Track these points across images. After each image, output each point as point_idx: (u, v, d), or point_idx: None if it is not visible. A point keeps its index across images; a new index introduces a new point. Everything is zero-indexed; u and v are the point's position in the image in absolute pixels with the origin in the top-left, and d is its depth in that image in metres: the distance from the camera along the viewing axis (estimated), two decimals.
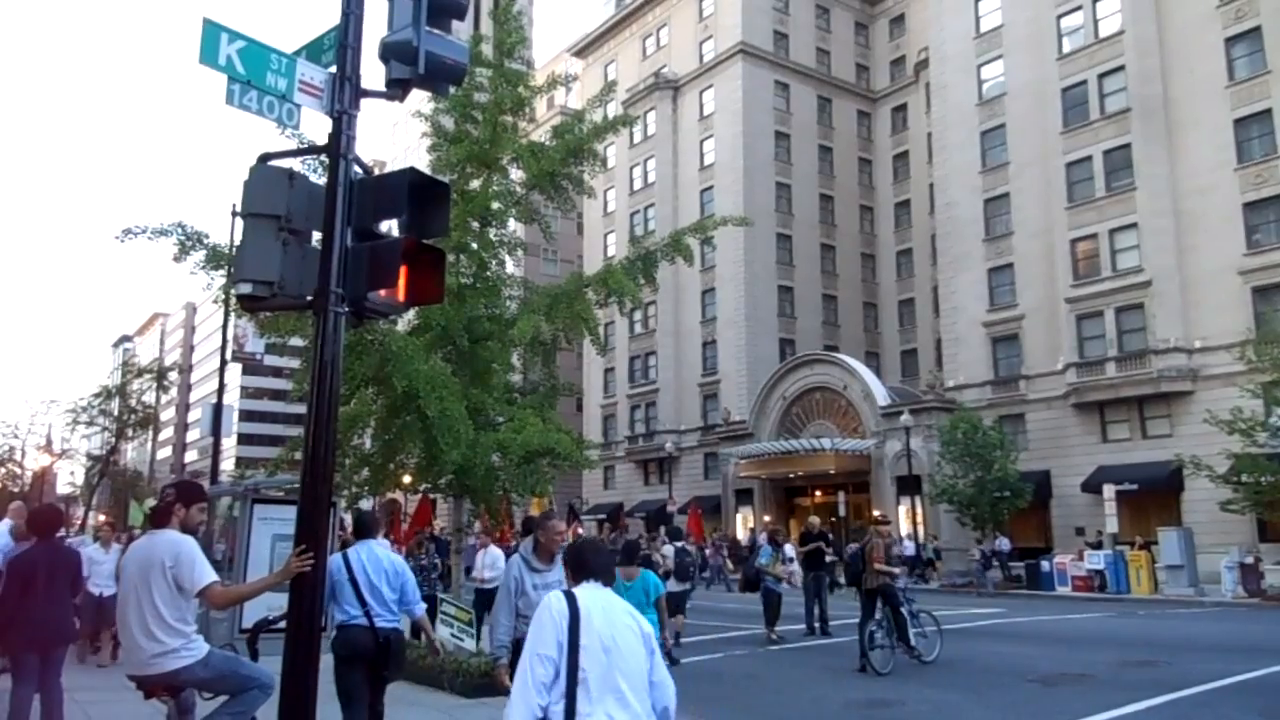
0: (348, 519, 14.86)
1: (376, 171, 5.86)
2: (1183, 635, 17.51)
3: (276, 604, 6.13)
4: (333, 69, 5.61)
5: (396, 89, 5.67)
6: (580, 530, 32.42)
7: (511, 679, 5.25)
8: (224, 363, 25.57)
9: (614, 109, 27.63)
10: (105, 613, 11.70)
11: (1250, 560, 26.68)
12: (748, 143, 54.30)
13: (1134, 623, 20.58)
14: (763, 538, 19.71)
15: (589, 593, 3.77)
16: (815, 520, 19.70)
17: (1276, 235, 33.17)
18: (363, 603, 6.35)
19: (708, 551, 37.03)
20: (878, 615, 13.13)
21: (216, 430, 24.61)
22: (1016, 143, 41.14)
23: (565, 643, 3.54)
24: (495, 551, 15.56)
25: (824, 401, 45.34)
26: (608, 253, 56.14)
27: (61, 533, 9.84)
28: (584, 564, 3.93)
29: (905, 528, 37.26)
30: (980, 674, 12.63)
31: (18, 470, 55.89)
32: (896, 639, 12.99)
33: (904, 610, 13.31)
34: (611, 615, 3.71)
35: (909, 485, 38.16)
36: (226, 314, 23.96)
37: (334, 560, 6.45)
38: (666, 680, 3.77)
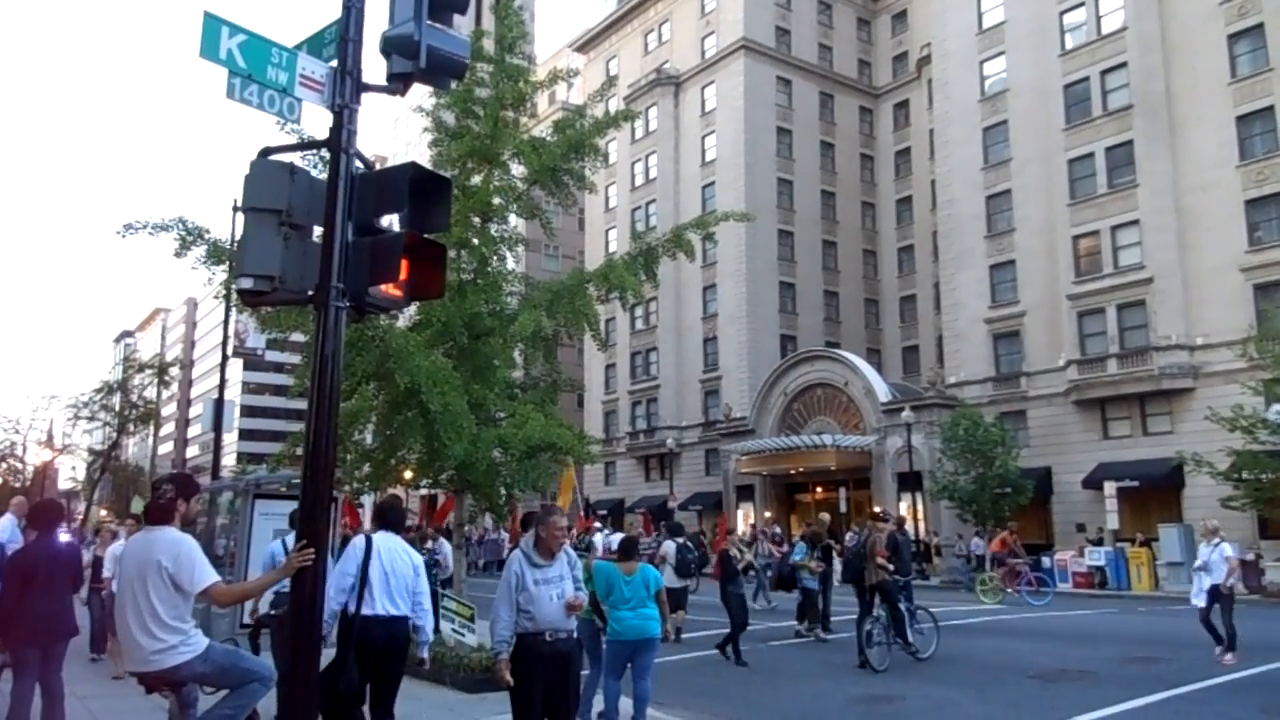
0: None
1: (377, 166, 5.85)
2: (1183, 632, 17.48)
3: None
4: (334, 63, 5.60)
5: (398, 83, 5.65)
6: (595, 524, 32.20)
7: (512, 675, 5.59)
8: (225, 358, 25.55)
9: (616, 104, 27.64)
10: None
11: (1251, 557, 26.65)
12: (749, 138, 54.26)
13: (1134, 619, 20.59)
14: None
15: (382, 536, 6.76)
16: (825, 517, 19.64)
17: (1278, 232, 33.13)
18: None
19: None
20: (875, 612, 13.14)
21: (218, 426, 24.59)
22: (1018, 139, 41.09)
23: (360, 565, 6.51)
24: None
25: (825, 398, 45.34)
26: (609, 248, 56.16)
27: (63, 529, 9.84)
28: (385, 518, 7.10)
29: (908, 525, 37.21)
30: (981, 670, 12.64)
31: (19, 465, 56.01)
32: (894, 636, 12.99)
33: (901, 607, 13.33)
34: (393, 551, 6.70)
35: (910, 482, 38.17)
36: (228, 309, 23.96)
37: (275, 545, 9.27)
38: (425, 591, 6.81)
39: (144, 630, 5.10)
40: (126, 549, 5.61)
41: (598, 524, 33.15)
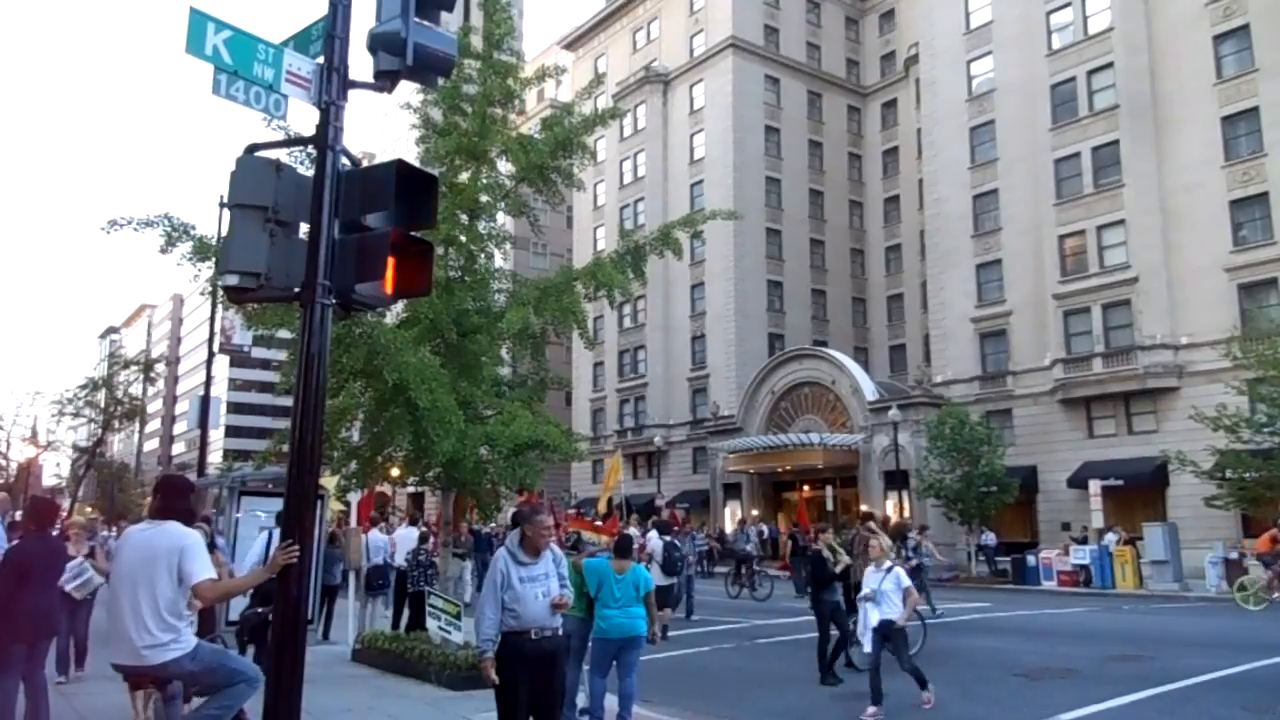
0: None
1: (364, 163, 5.84)
2: (1167, 630, 17.62)
3: None
4: (320, 60, 5.58)
5: (385, 80, 5.64)
6: (633, 524, 31.57)
7: (497, 672, 5.58)
8: (211, 355, 25.45)
9: (604, 102, 27.60)
10: None
11: (1234, 555, 26.84)
12: (738, 137, 54.29)
13: (1119, 617, 20.70)
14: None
15: (277, 531, 7.17)
16: (867, 509, 18.98)
17: (1263, 233, 33.35)
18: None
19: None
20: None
21: (204, 423, 24.48)
22: (1005, 139, 41.23)
23: (265, 546, 9.17)
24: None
25: (812, 396, 45.43)
26: (597, 247, 56.06)
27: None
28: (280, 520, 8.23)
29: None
30: (965, 668, 12.69)
31: (2, 462, 55.58)
32: None
33: None
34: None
35: (896, 480, 38.27)
36: (214, 306, 23.85)
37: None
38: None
39: (139, 624, 5.07)
40: (127, 541, 5.50)
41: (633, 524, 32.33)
